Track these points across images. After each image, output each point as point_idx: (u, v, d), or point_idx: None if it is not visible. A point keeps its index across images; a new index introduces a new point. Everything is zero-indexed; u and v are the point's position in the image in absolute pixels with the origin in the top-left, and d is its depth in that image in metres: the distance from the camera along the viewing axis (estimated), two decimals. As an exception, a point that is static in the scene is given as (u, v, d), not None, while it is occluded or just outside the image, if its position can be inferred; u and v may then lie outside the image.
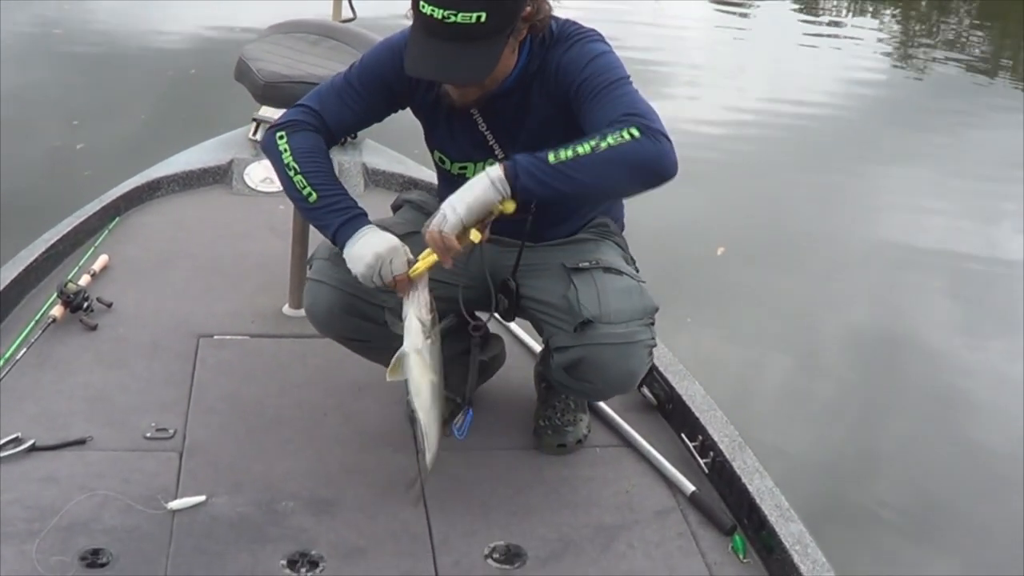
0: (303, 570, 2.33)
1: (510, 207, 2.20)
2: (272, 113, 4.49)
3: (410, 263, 2.30)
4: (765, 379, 4.76)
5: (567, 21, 2.42)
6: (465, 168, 2.53)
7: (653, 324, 2.51)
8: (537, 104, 2.39)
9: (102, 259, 3.57)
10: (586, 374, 2.49)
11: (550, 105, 2.37)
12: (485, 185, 2.18)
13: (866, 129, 8.29)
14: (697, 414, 2.93)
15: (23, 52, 8.22)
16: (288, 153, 2.40)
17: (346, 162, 4.30)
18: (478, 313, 2.65)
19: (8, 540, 2.32)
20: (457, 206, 2.19)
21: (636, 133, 2.13)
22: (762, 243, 5.95)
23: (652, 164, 2.16)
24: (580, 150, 2.14)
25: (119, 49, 8.65)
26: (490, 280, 2.52)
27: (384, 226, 2.44)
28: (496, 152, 2.46)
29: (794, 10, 13.05)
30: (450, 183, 2.53)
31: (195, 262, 3.71)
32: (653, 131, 2.15)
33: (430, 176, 4.01)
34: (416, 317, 2.28)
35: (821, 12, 13.48)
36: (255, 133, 4.59)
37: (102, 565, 2.27)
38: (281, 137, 2.42)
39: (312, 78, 3.16)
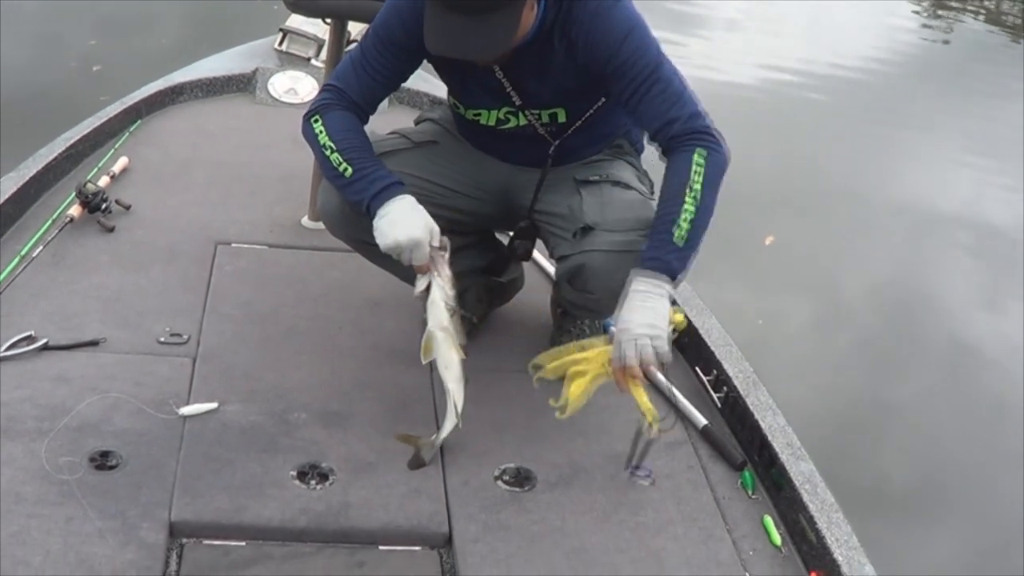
0: (312, 482, 2.32)
1: (680, 318, 2.29)
2: (300, 23, 4.43)
3: (441, 246, 2.31)
4: (784, 328, 4.76)
5: None
6: (479, 115, 2.51)
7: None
8: (558, 57, 2.35)
9: (122, 161, 3.54)
10: (587, 283, 2.49)
11: (571, 62, 2.34)
12: (662, 304, 2.22)
13: (898, 88, 8.22)
14: (713, 349, 2.90)
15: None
16: (324, 134, 2.39)
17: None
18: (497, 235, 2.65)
19: (18, 438, 2.31)
20: (655, 340, 2.22)
21: (705, 155, 2.25)
22: (790, 194, 5.93)
23: (725, 173, 2.30)
24: (689, 212, 2.22)
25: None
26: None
27: (408, 136, 2.55)
28: (514, 100, 2.43)
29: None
30: (467, 127, 2.58)
31: (216, 169, 3.67)
32: (713, 143, 2.28)
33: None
34: (440, 295, 2.30)
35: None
36: (282, 43, 4.53)
37: (111, 467, 2.27)
38: (316, 121, 2.42)
39: (344, -12, 3.10)
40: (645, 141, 2.64)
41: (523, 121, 2.48)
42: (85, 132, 3.62)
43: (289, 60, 4.47)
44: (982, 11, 11.10)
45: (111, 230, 3.19)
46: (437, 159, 2.59)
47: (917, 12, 10.61)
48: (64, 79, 5.72)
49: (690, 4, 8.96)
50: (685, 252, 2.23)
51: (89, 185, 3.25)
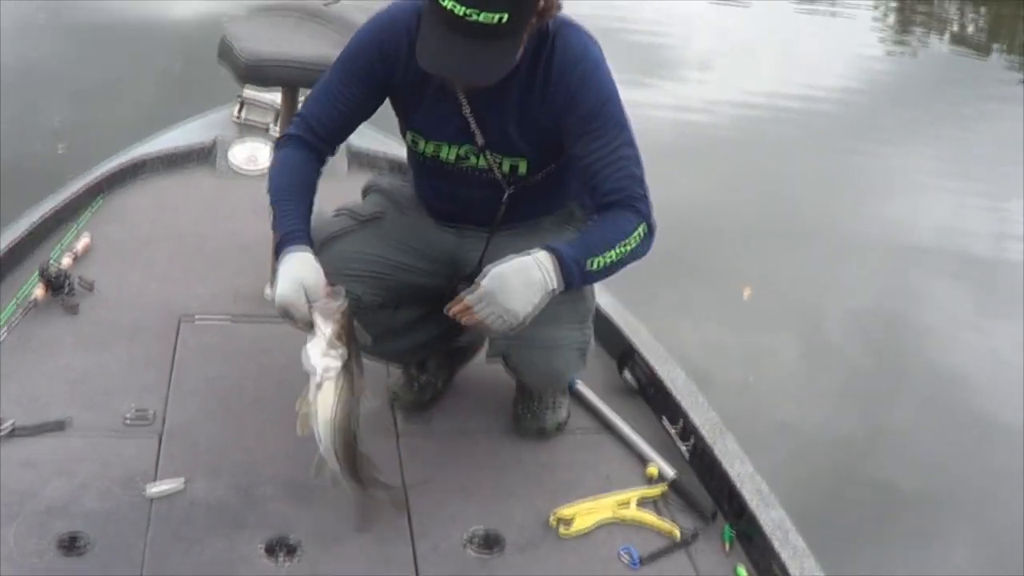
0: (281, 556, 2.33)
1: None
2: (256, 93, 4.48)
3: (331, 296, 2.20)
4: (769, 360, 4.83)
5: (568, 24, 2.39)
6: (439, 148, 2.48)
7: (586, 325, 2.55)
8: (527, 101, 2.37)
9: (85, 240, 3.56)
10: (516, 368, 2.56)
11: (540, 108, 2.36)
12: (540, 301, 2.23)
13: (869, 111, 8.35)
14: (678, 398, 2.93)
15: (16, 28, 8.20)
16: (271, 169, 2.47)
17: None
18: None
19: None
20: (513, 300, 2.21)
21: (643, 233, 2.32)
22: (768, 224, 6.02)
23: (641, 256, 2.36)
24: (612, 257, 2.28)
25: (109, 27, 8.61)
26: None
27: (354, 213, 2.60)
28: (476, 138, 2.44)
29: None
30: (422, 166, 2.56)
31: (178, 243, 3.70)
32: (652, 230, 2.35)
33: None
34: (316, 354, 2.17)
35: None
36: (239, 113, 4.58)
37: (80, 550, 2.28)
38: (275, 150, 2.51)
39: (294, 58, 3.16)
40: None
41: (483, 163, 2.47)
42: (47, 212, 3.65)
43: (248, 129, 4.51)
44: (946, 32, 11.27)
45: (75, 309, 3.20)
46: (383, 235, 2.59)
47: (882, 39, 10.78)
48: (28, 156, 5.74)
49: (663, 47, 9.09)
50: (586, 278, 2.30)
51: (52, 266, 3.27)
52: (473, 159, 2.47)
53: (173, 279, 3.46)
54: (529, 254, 2.23)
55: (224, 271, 3.53)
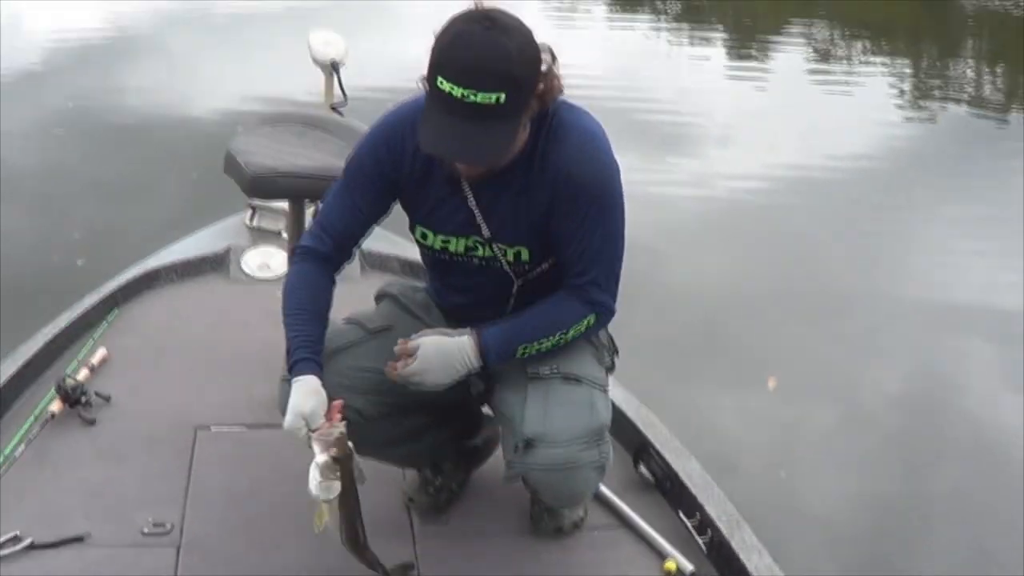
0: (300, 664, 2.33)
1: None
2: (266, 200, 4.55)
3: (325, 423, 2.31)
4: (804, 438, 4.79)
5: (568, 107, 2.40)
6: (448, 242, 2.49)
7: (603, 442, 2.50)
8: (527, 186, 2.38)
9: (100, 352, 3.60)
10: (535, 490, 2.58)
11: (538, 192, 2.38)
12: (460, 363, 2.35)
13: (893, 177, 8.30)
14: (695, 492, 2.93)
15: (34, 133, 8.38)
16: (286, 284, 2.53)
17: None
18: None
19: None
20: (431, 378, 2.36)
21: (590, 323, 2.38)
22: (797, 297, 6.02)
23: (589, 335, 2.46)
24: (546, 344, 2.36)
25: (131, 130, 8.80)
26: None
27: (363, 324, 2.63)
28: (482, 230, 2.44)
29: (808, 59, 13.22)
30: (434, 261, 2.59)
31: (193, 352, 3.73)
32: (602, 319, 2.42)
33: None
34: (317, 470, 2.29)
35: (833, 60, 13.61)
36: (252, 219, 4.65)
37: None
38: (290, 264, 2.59)
39: (299, 169, 3.21)
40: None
41: (489, 253, 2.47)
42: (63, 326, 3.69)
43: (260, 235, 4.57)
44: (964, 95, 11.37)
45: (92, 423, 3.23)
46: (391, 347, 2.55)
47: (900, 105, 10.83)
48: (45, 270, 5.82)
49: (682, 124, 9.20)
50: (512, 361, 2.37)
51: (68, 380, 3.31)
52: (481, 250, 2.47)
53: (188, 388, 3.49)
54: (454, 336, 2.37)
55: (239, 379, 3.56)
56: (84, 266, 5.73)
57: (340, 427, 2.26)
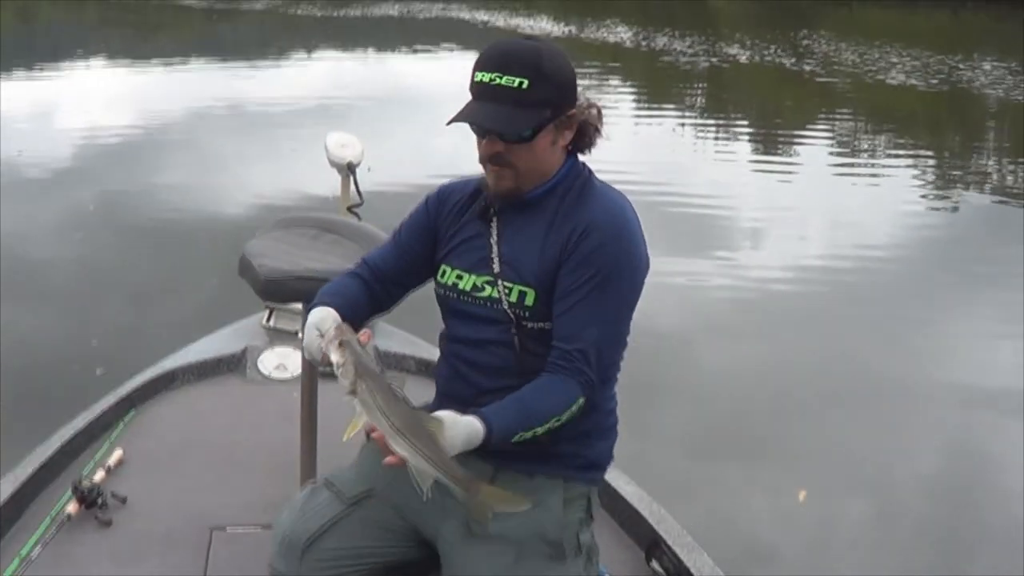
0: None
1: None
2: (283, 302, 4.59)
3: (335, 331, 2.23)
4: (841, 529, 4.78)
5: (608, 185, 2.45)
6: (460, 278, 2.48)
7: None
8: (548, 238, 2.38)
9: (117, 453, 3.62)
10: None
11: (557, 249, 2.35)
12: (473, 436, 2.18)
13: (920, 266, 8.50)
14: None
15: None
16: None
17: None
18: None
19: None
20: (449, 443, 2.14)
21: (578, 409, 2.29)
22: (829, 390, 6.06)
23: (571, 421, 2.32)
24: (537, 431, 2.26)
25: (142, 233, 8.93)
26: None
27: (340, 492, 2.53)
28: (493, 266, 2.41)
29: (833, 152, 13.38)
30: (443, 304, 2.54)
31: (209, 453, 3.75)
32: (590, 403, 2.32)
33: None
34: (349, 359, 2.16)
35: (858, 152, 13.76)
36: (269, 320, 4.69)
37: None
38: None
39: (313, 273, 3.23)
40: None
41: (494, 293, 2.42)
42: (80, 427, 3.72)
43: (277, 336, 4.62)
44: (986, 185, 11.44)
45: (108, 524, 3.24)
46: (369, 520, 2.48)
47: (924, 196, 10.94)
48: (62, 376, 5.87)
49: (713, 217, 9.28)
50: (506, 441, 2.23)
51: (85, 481, 3.33)
52: (487, 289, 2.44)
53: (205, 489, 3.50)
54: (462, 416, 2.20)
55: (255, 479, 3.57)
56: (103, 375, 5.76)
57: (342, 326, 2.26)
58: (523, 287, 2.39)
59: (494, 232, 2.45)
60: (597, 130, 2.44)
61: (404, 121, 14.56)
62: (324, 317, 2.34)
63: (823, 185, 11.47)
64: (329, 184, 9.38)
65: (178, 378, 4.27)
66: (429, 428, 2.11)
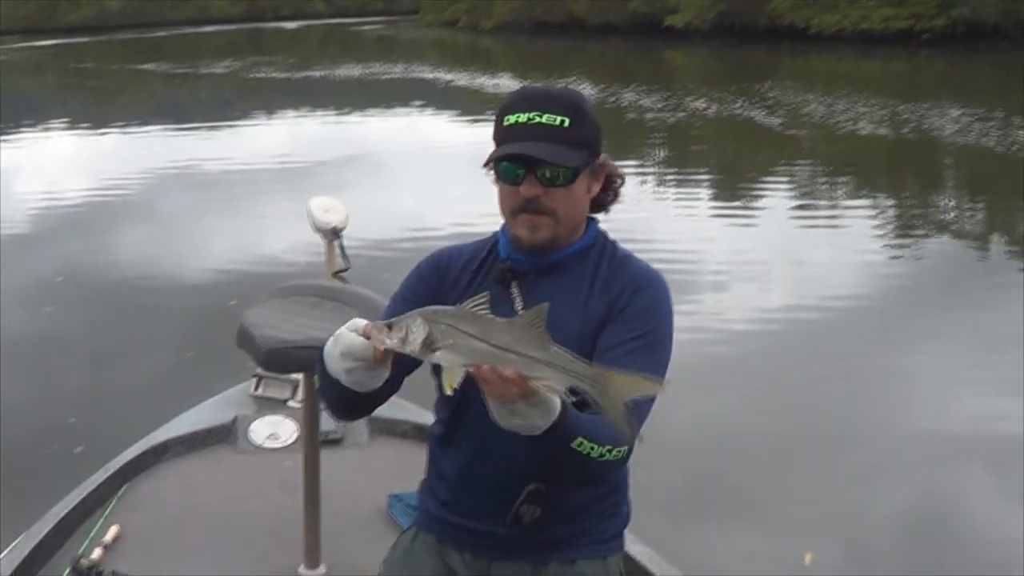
0: None
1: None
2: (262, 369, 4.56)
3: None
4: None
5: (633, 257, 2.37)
6: None
7: None
8: (590, 302, 2.28)
9: (114, 530, 3.57)
10: None
11: (591, 303, 2.28)
12: (546, 411, 1.99)
13: (883, 312, 8.48)
14: None
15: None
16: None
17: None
18: None
19: None
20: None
21: (624, 452, 2.15)
22: (795, 439, 6.05)
23: (601, 476, 2.25)
24: (594, 453, 2.09)
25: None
26: None
27: None
28: None
29: (793, 199, 13.54)
30: (446, 398, 2.33)
31: (208, 527, 3.70)
32: (627, 457, 2.18)
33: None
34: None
35: (818, 199, 13.92)
36: (257, 388, 4.65)
37: None
38: None
39: (315, 342, 3.19)
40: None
41: None
42: (74, 504, 3.66)
43: (266, 404, 4.58)
44: (945, 229, 11.58)
45: (109, 603, 3.19)
46: None
47: (886, 244, 10.98)
48: (43, 456, 5.80)
49: (677, 271, 9.30)
50: (569, 439, 2.06)
51: (84, 560, 3.28)
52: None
53: (203, 563, 3.46)
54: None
55: (254, 552, 3.53)
56: (84, 451, 5.70)
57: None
58: None
59: (517, 298, 2.31)
60: (619, 187, 2.38)
61: (372, 181, 14.61)
62: (356, 325, 2.07)
63: (785, 233, 11.59)
64: (300, 247, 9.44)
65: (169, 450, 4.21)
66: (535, 332, 1.94)
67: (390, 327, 1.98)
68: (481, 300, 1.97)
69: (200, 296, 9.02)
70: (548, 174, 2.22)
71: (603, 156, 2.32)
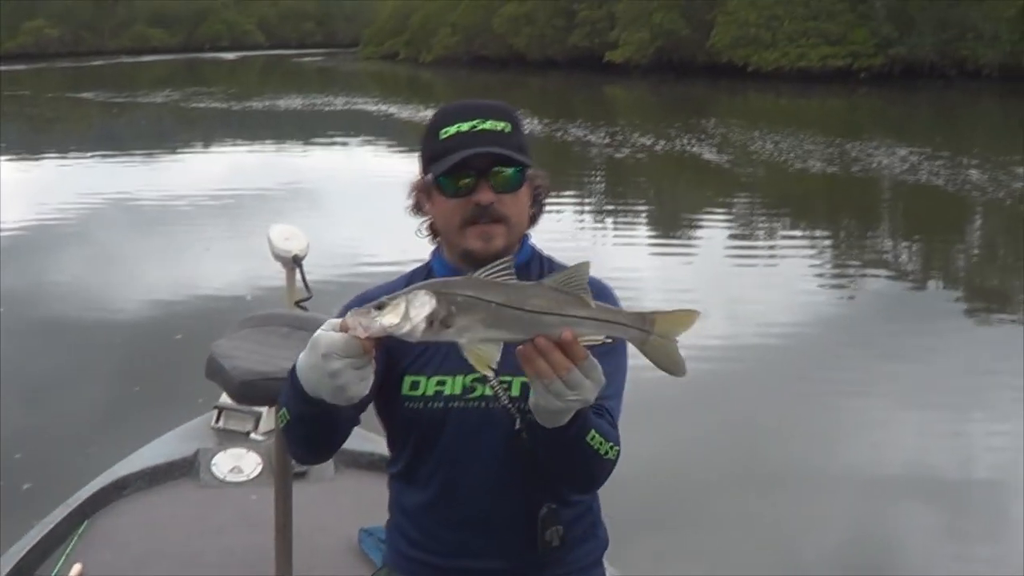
0: None
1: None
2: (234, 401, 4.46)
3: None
4: None
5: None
6: (443, 383, 2.20)
7: None
8: None
9: (76, 568, 3.45)
10: None
11: None
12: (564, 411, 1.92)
13: (820, 350, 8.54)
14: None
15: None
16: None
17: (314, 445, 4.24)
18: None
19: None
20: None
21: (618, 453, 2.11)
22: (735, 474, 6.04)
23: (601, 480, 2.16)
24: (602, 450, 2.05)
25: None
26: None
27: None
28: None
29: (731, 234, 13.64)
30: (420, 425, 2.23)
31: (173, 562, 3.60)
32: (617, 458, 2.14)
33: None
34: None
35: (757, 233, 14.03)
36: (218, 420, 4.55)
37: None
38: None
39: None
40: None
41: (487, 391, 2.18)
42: (34, 542, 3.54)
43: (228, 437, 4.47)
44: (882, 267, 11.69)
45: (74, 644, 3.07)
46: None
47: (824, 284, 11.02)
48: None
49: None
50: (585, 432, 2.01)
51: (47, 601, 3.15)
52: (480, 388, 2.19)
53: None
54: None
55: None
56: (31, 489, 5.54)
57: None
58: (526, 378, 2.01)
59: None
60: (543, 199, 2.32)
61: (318, 211, 14.52)
62: (332, 324, 1.87)
63: (723, 267, 11.67)
64: (244, 279, 9.33)
65: (130, 485, 4.09)
66: (572, 291, 1.81)
67: (380, 307, 1.78)
68: (504, 264, 1.84)
69: (144, 329, 8.87)
70: (500, 179, 2.17)
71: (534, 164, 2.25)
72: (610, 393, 2.12)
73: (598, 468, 2.10)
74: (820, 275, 11.31)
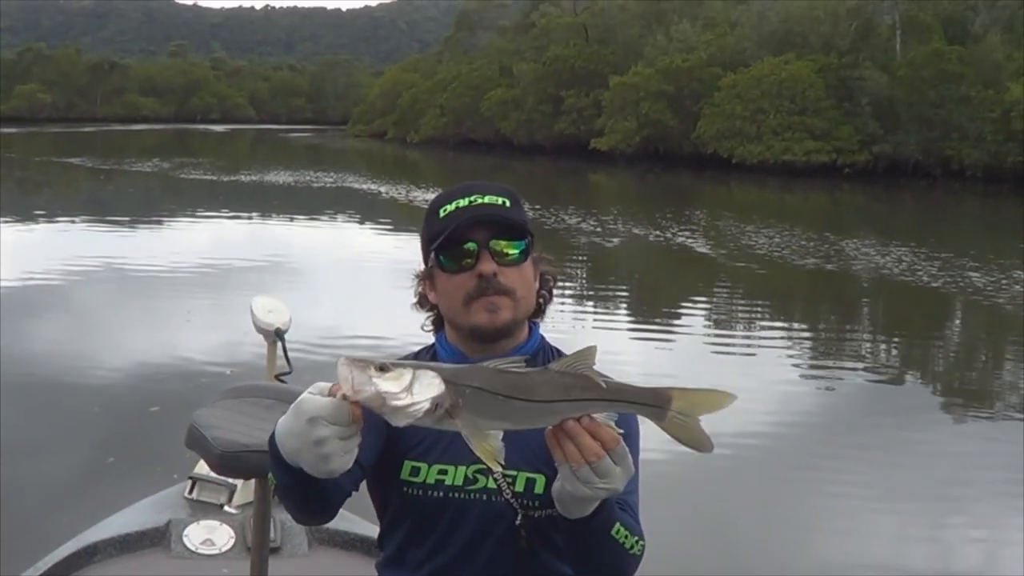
0: None
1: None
2: (208, 470, 4.43)
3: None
4: None
5: None
6: (445, 473, 2.13)
7: None
8: None
9: (44, 637, 3.40)
10: None
11: None
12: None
13: (797, 445, 8.49)
14: None
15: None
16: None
17: (287, 521, 4.21)
18: None
19: None
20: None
21: (643, 548, 2.09)
22: (712, 566, 6.01)
23: (635, 562, 2.11)
24: (627, 543, 2.03)
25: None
26: None
27: None
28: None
29: (710, 325, 13.72)
30: (418, 512, 2.17)
31: None
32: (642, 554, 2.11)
33: (376, 532, 3.93)
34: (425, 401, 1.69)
35: (736, 326, 14.07)
36: (191, 491, 4.51)
37: None
38: None
39: (272, 446, 3.14)
40: None
41: (491, 484, 2.12)
42: None
43: (202, 508, 4.43)
44: (860, 363, 11.70)
45: None
46: None
47: (802, 376, 11.01)
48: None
49: None
50: (610, 525, 1.99)
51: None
52: (482, 480, 2.13)
53: None
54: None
55: None
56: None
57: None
58: (531, 474, 2.10)
59: None
60: (551, 287, 2.30)
61: (303, 286, 14.53)
62: (319, 388, 1.78)
63: (700, 357, 11.68)
64: (224, 352, 9.29)
65: (99, 552, 4.05)
66: (577, 371, 1.76)
67: (383, 369, 1.65)
68: (516, 362, 1.80)
69: (121, 399, 8.78)
70: (503, 248, 2.14)
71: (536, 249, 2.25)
72: (630, 489, 2.04)
73: (622, 564, 2.06)
74: (798, 370, 11.33)
